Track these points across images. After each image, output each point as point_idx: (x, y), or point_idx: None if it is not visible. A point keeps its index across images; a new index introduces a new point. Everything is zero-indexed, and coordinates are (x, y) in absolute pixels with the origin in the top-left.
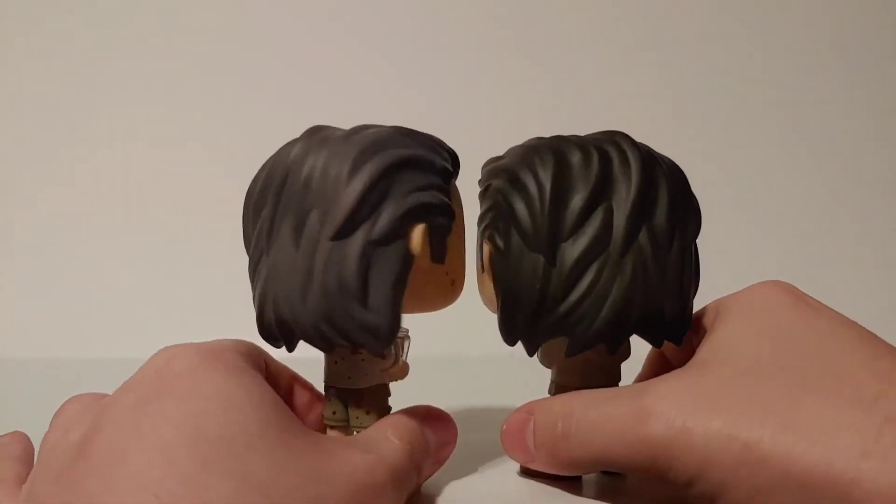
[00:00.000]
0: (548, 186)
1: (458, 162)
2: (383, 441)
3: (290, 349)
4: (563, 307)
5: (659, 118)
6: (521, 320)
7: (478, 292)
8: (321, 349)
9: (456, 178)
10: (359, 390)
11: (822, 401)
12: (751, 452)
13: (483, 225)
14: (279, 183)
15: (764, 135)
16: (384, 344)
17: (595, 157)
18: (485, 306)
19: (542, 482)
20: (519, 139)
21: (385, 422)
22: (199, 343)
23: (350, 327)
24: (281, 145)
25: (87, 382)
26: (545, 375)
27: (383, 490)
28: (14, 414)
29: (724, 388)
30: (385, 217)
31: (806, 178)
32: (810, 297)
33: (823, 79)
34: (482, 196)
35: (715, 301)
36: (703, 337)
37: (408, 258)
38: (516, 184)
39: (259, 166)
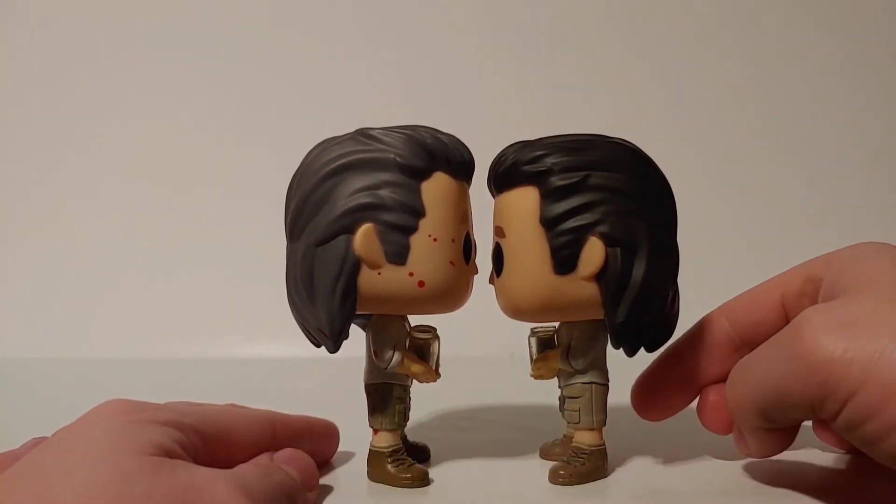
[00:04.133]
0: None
1: (465, 159)
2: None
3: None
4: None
5: (657, 117)
6: (648, 319)
7: (476, 292)
8: (315, 346)
9: (469, 178)
10: (365, 387)
11: None
12: None
13: (584, 222)
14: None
15: (759, 137)
16: (332, 343)
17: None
18: (483, 307)
19: (542, 483)
20: (515, 138)
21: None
22: (129, 403)
23: (310, 326)
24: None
25: (87, 382)
26: None
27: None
28: (14, 414)
29: (878, 307)
30: (322, 219)
31: (798, 180)
32: None
33: (819, 80)
34: (568, 189)
35: (818, 259)
36: (814, 294)
37: (348, 258)
38: (640, 181)
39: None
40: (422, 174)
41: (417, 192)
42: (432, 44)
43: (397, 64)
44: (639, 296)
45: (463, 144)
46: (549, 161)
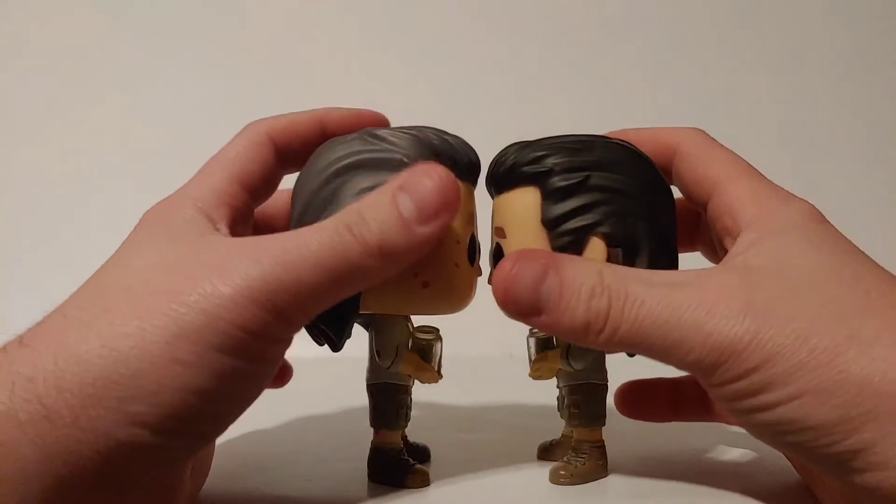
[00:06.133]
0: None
1: (472, 160)
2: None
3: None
4: None
5: (658, 118)
6: None
7: (475, 293)
8: (318, 344)
9: (475, 179)
10: (367, 386)
11: (885, 317)
12: (816, 357)
13: (585, 222)
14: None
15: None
16: (335, 342)
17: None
18: (484, 307)
19: (541, 483)
20: (515, 138)
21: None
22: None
23: (313, 324)
24: None
25: None
26: None
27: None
28: None
29: (792, 292)
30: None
31: (797, 179)
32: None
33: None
34: (569, 190)
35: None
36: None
37: None
38: (640, 184)
39: None
40: None
41: None
42: (435, 44)
43: (400, 64)
44: None
45: (469, 146)
46: (550, 162)
